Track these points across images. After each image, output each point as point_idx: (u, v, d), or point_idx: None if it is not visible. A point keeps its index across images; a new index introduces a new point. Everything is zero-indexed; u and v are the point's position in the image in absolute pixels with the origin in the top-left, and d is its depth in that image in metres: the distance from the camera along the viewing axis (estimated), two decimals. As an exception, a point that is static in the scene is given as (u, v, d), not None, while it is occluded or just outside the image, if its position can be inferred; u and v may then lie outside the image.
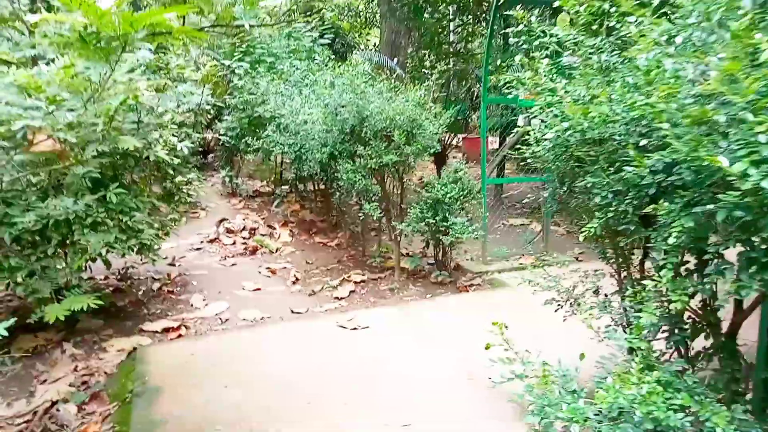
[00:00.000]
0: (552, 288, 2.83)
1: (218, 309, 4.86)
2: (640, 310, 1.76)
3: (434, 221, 4.94)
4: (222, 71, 9.41)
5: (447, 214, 4.95)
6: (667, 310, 1.76)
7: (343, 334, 4.21)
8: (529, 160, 2.52)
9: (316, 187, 8.33)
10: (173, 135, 4.65)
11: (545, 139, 2.09)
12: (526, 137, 2.48)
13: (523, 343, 2.09)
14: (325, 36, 10.12)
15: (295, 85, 7.09)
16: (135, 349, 3.96)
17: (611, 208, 1.77)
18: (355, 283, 5.50)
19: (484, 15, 9.74)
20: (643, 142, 1.61)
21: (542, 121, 2.33)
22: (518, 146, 2.78)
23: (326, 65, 7.30)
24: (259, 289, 5.42)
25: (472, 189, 5.06)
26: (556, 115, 2.06)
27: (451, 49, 10.06)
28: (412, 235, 5.37)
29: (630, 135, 1.70)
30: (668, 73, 1.60)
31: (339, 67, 5.45)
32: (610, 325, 2.40)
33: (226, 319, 4.67)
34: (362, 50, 14.88)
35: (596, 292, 2.78)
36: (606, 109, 1.72)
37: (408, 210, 5.34)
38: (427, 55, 9.92)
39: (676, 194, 1.54)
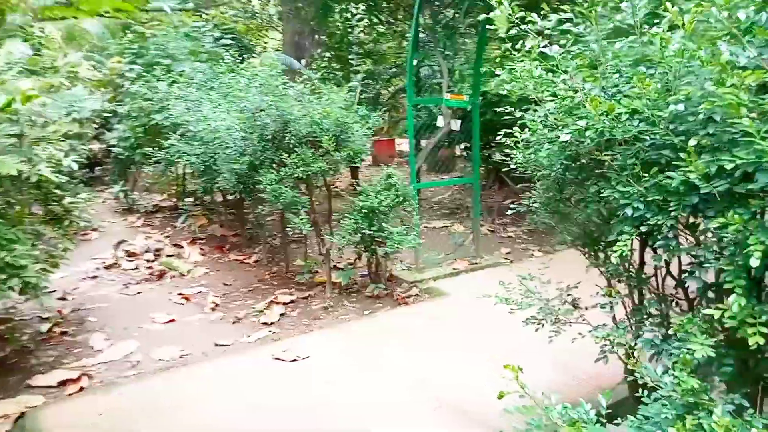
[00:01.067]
0: (530, 305, 2.54)
1: (126, 350, 4.16)
2: (681, 340, 1.50)
3: (370, 232, 4.57)
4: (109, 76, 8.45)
5: (383, 224, 4.59)
6: (713, 338, 1.51)
7: (282, 368, 3.72)
8: (513, 166, 2.21)
9: (225, 198, 7.66)
10: (59, 149, 3.90)
11: (552, 141, 1.79)
12: (513, 140, 2.17)
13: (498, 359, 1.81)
14: (226, 36, 9.42)
15: (200, 88, 6.41)
16: (23, 413, 3.22)
17: (649, 222, 1.50)
18: (284, 304, 4.99)
19: (394, 14, 9.52)
20: (692, 142, 1.35)
21: (533, 121, 2.03)
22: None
23: (238, 65, 6.67)
24: (173, 321, 4.75)
25: (406, 195, 4.75)
26: (562, 114, 1.77)
27: (362, 50, 9.74)
28: (342, 248, 4.96)
29: (667, 134, 1.44)
30: (720, 59, 1.34)
31: (252, 67, 4.91)
32: (606, 347, 2.16)
33: (138, 362, 3.99)
34: (259, 53, 14.20)
35: (575, 305, 2.55)
36: (640, 104, 1.45)
37: (339, 220, 4.93)
38: (336, 56, 9.53)
39: (742, 204, 1.29)
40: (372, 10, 9.06)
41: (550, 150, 1.79)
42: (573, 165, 1.89)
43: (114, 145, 7.84)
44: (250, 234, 7.09)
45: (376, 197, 4.57)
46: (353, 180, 10.29)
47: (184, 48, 8.00)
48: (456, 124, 7.06)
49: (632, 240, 1.67)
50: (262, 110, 4.58)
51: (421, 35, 9.30)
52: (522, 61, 1.91)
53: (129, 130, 7.51)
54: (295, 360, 3.78)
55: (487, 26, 6.05)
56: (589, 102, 1.53)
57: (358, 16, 9.35)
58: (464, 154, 8.49)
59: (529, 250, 6.79)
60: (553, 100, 1.84)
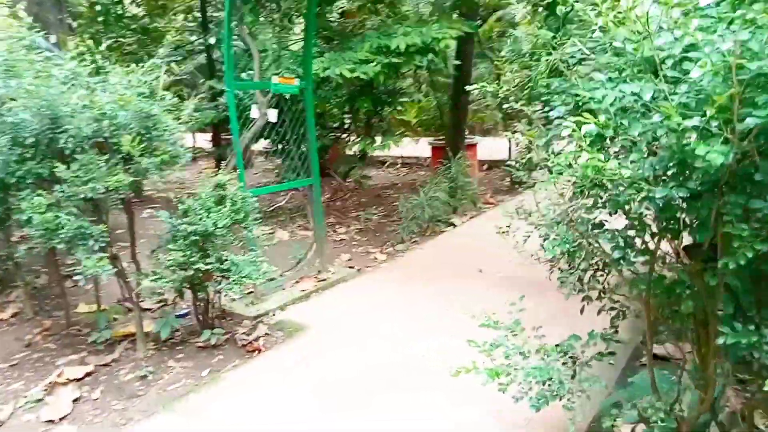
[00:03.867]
0: (532, 376, 1.75)
1: None
2: None
3: (206, 266, 3.32)
4: None
5: (222, 252, 3.39)
6: None
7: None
8: (568, 177, 1.35)
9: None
10: None
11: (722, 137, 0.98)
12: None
13: None
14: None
15: None
16: None
17: None
18: (77, 381, 3.44)
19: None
20: None
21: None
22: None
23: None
24: None
25: (247, 210, 3.60)
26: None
27: (136, 26, 7.90)
28: (163, 291, 3.60)
29: None
30: None
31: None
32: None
33: None
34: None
35: (575, 361, 1.84)
36: None
37: (153, 252, 3.56)
38: (104, 32, 7.54)
39: None
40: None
41: (723, 152, 1.00)
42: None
43: None
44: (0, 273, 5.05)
45: (209, 217, 3.33)
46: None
47: None
48: (273, 115, 6.02)
49: None
50: (12, 99, 2.96)
51: (215, 13, 7.95)
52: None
53: None
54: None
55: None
56: None
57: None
58: (276, 148, 7.41)
59: (369, 253, 6.10)
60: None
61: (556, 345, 1.89)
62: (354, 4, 7.51)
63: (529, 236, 1.98)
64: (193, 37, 10.25)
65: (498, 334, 1.91)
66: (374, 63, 5.57)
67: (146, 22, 8.09)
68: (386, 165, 11.72)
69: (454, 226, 6.79)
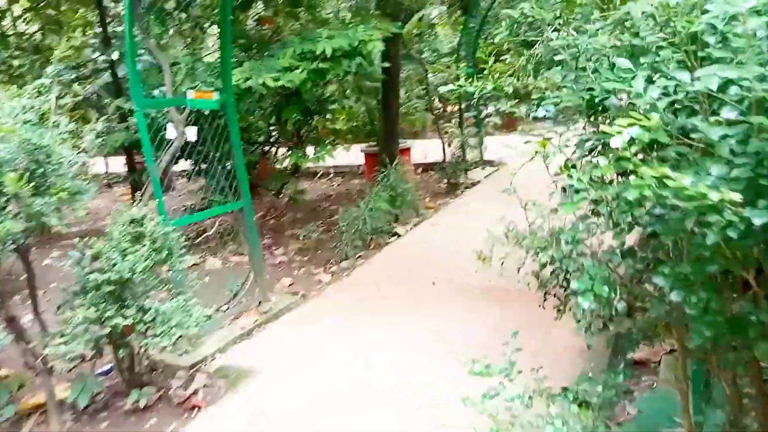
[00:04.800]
0: None
1: None
2: None
3: (126, 319, 2.80)
4: None
5: (144, 300, 2.88)
6: None
7: None
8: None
9: None
10: None
11: None
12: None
13: None
14: None
15: None
16: None
17: None
18: (-27, 476, 2.82)
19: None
20: None
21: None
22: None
23: None
24: None
25: (171, 247, 3.10)
26: None
27: (24, 43, 7.05)
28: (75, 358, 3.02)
29: None
30: None
31: None
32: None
33: None
34: None
35: (584, 403, 1.53)
36: None
37: (59, 308, 2.99)
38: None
39: None
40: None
41: None
42: None
43: None
44: None
45: (124, 260, 2.82)
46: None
47: None
48: (192, 133, 5.48)
49: None
50: None
51: (117, 27, 7.26)
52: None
53: None
54: None
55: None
56: None
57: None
58: (199, 168, 6.80)
59: (312, 274, 5.66)
60: None
61: (564, 388, 1.59)
62: (270, 10, 7.05)
63: (523, 263, 1.69)
64: (96, 54, 9.40)
65: (492, 382, 1.58)
66: (300, 70, 5.16)
67: (39, 40, 7.24)
68: (318, 176, 11.26)
69: (399, 235, 6.48)
